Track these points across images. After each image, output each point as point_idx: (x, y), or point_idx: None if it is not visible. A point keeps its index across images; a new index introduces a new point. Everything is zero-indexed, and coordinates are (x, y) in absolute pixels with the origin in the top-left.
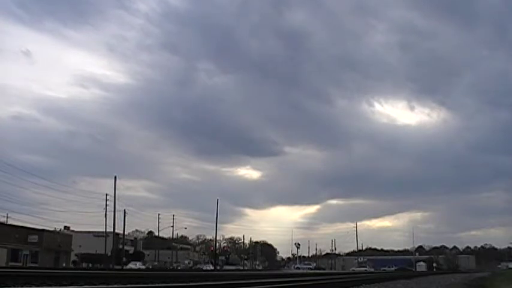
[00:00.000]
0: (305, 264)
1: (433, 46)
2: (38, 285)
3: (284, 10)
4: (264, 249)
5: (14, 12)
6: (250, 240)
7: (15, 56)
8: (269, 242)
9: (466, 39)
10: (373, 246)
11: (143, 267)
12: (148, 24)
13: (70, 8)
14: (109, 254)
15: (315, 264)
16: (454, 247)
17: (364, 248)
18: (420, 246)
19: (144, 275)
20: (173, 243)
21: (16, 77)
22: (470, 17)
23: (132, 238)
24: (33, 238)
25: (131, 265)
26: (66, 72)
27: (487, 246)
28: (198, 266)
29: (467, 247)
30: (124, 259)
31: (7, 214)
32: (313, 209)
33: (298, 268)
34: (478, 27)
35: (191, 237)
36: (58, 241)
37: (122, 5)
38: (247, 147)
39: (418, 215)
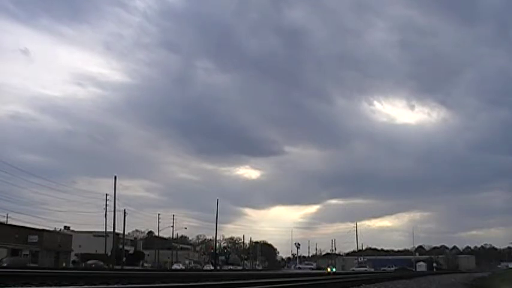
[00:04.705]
0: (306, 264)
1: (433, 44)
2: (38, 285)
3: (283, 8)
4: (264, 249)
5: (9, 9)
6: (250, 240)
7: (11, 54)
8: (269, 242)
9: (467, 37)
10: (373, 246)
11: (184, 267)
12: (146, 22)
13: (66, 5)
14: (109, 254)
15: (315, 264)
16: (454, 247)
17: (364, 248)
18: (420, 246)
19: (144, 275)
20: (173, 243)
21: (12, 75)
22: (470, 14)
23: (132, 238)
24: (33, 238)
25: (176, 266)
26: (62, 71)
27: (487, 246)
28: (198, 266)
29: (467, 247)
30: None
31: (7, 214)
32: (313, 209)
33: (299, 268)
34: (479, 25)
35: (191, 237)
36: (58, 241)
37: (119, 3)
38: (247, 147)
39: (418, 215)
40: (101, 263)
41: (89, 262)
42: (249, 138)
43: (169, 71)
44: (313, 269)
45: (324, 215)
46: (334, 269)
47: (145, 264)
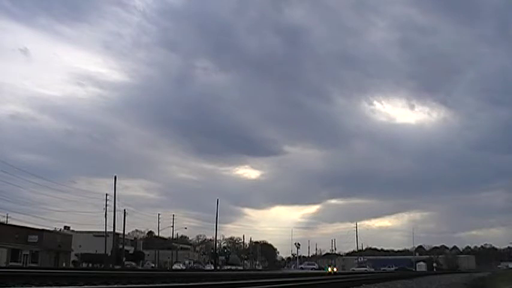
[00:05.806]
0: (308, 264)
1: (433, 43)
2: (38, 285)
3: (283, 7)
4: (264, 249)
5: (8, 8)
6: (250, 240)
7: (10, 54)
8: (269, 242)
9: (467, 36)
10: (373, 246)
11: (184, 267)
12: (145, 22)
13: (65, 4)
14: (109, 254)
15: (316, 264)
16: (454, 247)
17: (364, 248)
18: (420, 246)
19: (144, 275)
20: (173, 243)
21: (11, 75)
22: (470, 13)
23: (132, 238)
24: (33, 238)
25: (176, 265)
26: (62, 70)
27: (487, 246)
28: (199, 266)
29: (467, 247)
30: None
31: (7, 214)
32: (313, 209)
33: (302, 268)
34: (479, 24)
35: (191, 237)
36: (58, 241)
37: (118, 2)
38: (247, 147)
39: (418, 215)
40: (134, 263)
41: (126, 263)
42: (249, 138)
43: (168, 71)
44: (315, 269)
45: (324, 215)
46: (329, 268)
47: (152, 265)
